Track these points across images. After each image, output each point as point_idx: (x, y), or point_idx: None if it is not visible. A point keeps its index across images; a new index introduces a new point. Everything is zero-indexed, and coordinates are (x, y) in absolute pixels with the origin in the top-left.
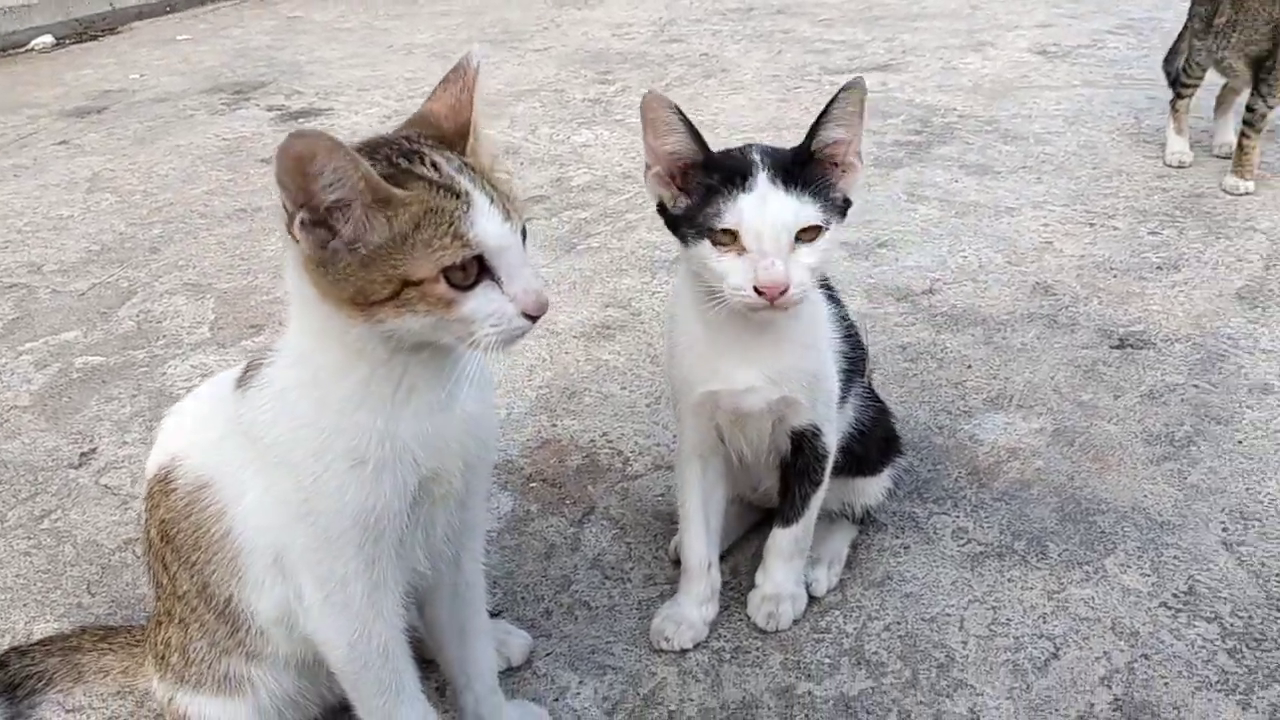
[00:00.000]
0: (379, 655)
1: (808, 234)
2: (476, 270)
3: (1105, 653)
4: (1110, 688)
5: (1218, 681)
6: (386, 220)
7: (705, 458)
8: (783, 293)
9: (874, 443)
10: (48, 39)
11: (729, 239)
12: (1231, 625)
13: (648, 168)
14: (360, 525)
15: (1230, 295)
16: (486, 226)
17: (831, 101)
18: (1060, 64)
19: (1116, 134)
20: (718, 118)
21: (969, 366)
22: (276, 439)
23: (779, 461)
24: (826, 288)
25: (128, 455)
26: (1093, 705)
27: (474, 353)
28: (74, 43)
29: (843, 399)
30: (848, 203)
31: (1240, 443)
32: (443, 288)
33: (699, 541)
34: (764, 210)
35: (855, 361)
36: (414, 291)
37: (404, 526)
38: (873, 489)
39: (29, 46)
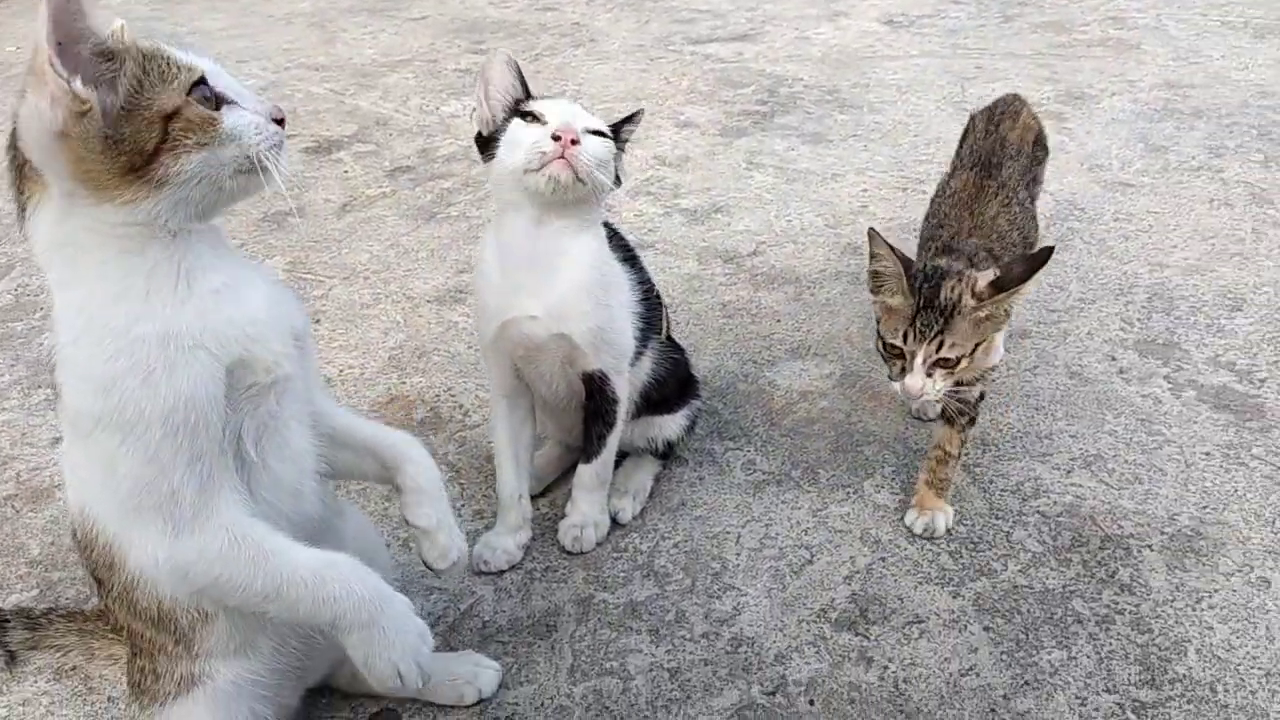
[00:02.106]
0: (230, 543)
1: (595, 134)
2: (213, 96)
3: (850, 558)
4: (850, 584)
5: (936, 577)
6: (120, 71)
7: (511, 398)
8: (574, 142)
9: (672, 387)
10: None
11: (534, 120)
12: (957, 532)
13: (474, 111)
14: (170, 429)
15: None
16: (189, 54)
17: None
18: (903, 34)
19: (942, 103)
20: (582, 88)
21: (778, 320)
22: (84, 403)
23: (581, 406)
24: (628, 253)
25: (7, 420)
26: (834, 599)
27: (265, 181)
28: None
29: (639, 353)
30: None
31: (993, 382)
32: (197, 108)
33: (509, 475)
34: (565, 106)
35: (651, 321)
36: (178, 124)
37: (221, 420)
38: (671, 426)
39: None
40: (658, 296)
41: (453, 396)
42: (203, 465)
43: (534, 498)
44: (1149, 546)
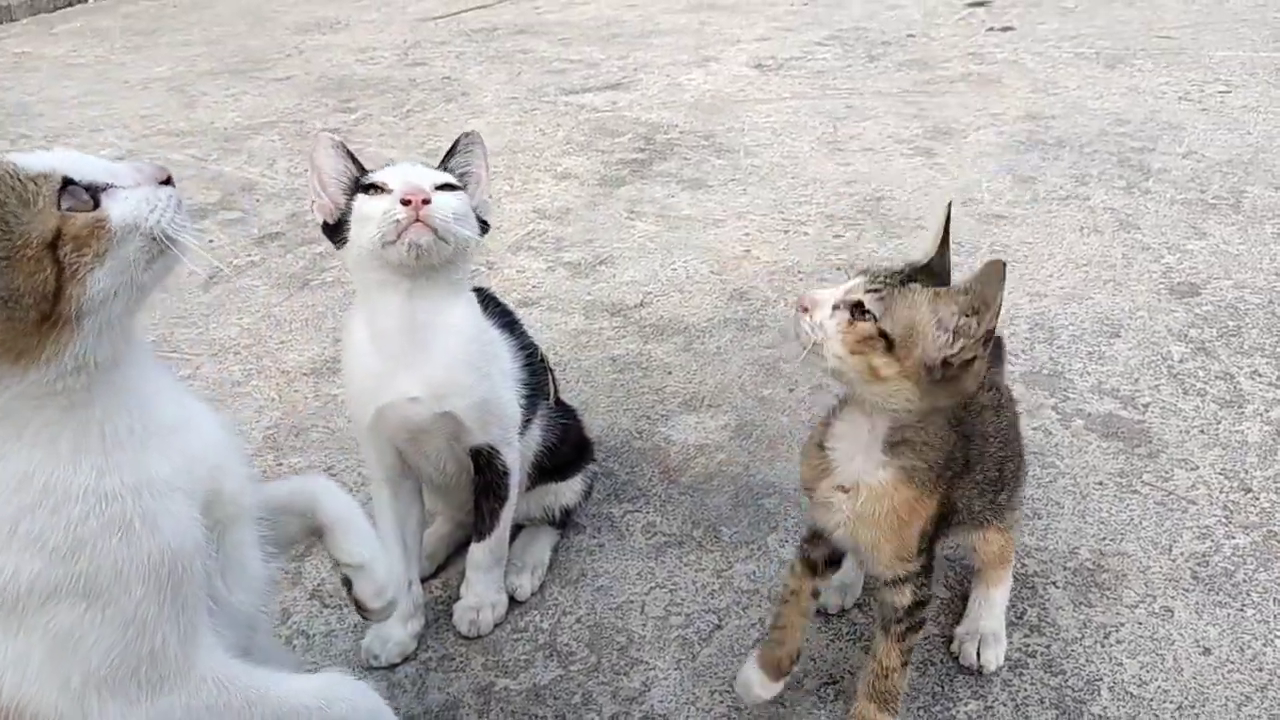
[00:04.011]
0: (218, 691)
1: (445, 189)
2: (87, 195)
3: (760, 619)
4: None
5: (848, 633)
6: None
7: (395, 482)
8: (425, 201)
9: (565, 452)
10: None
11: (377, 190)
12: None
13: (313, 202)
14: (154, 585)
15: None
16: (38, 159)
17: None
18: (773, 77)
19: (816, 143)
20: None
21: (669, 373)
22: (35, 575)
23: (471, 481)
24: (509, 320)
25: None
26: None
27: (178, 254)
28: None
29: (528, 421)
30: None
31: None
32: (79, 218)
33: (397, 562)
34: (406, 169)
35: (537, 387)
36: (65, 247)
37: (202, 567)
38: (567, 492)
39: None
40: (543, 360)
41: (334, 475)
42: (185, 616)
43: (425, 580)
44: (1053, 584)
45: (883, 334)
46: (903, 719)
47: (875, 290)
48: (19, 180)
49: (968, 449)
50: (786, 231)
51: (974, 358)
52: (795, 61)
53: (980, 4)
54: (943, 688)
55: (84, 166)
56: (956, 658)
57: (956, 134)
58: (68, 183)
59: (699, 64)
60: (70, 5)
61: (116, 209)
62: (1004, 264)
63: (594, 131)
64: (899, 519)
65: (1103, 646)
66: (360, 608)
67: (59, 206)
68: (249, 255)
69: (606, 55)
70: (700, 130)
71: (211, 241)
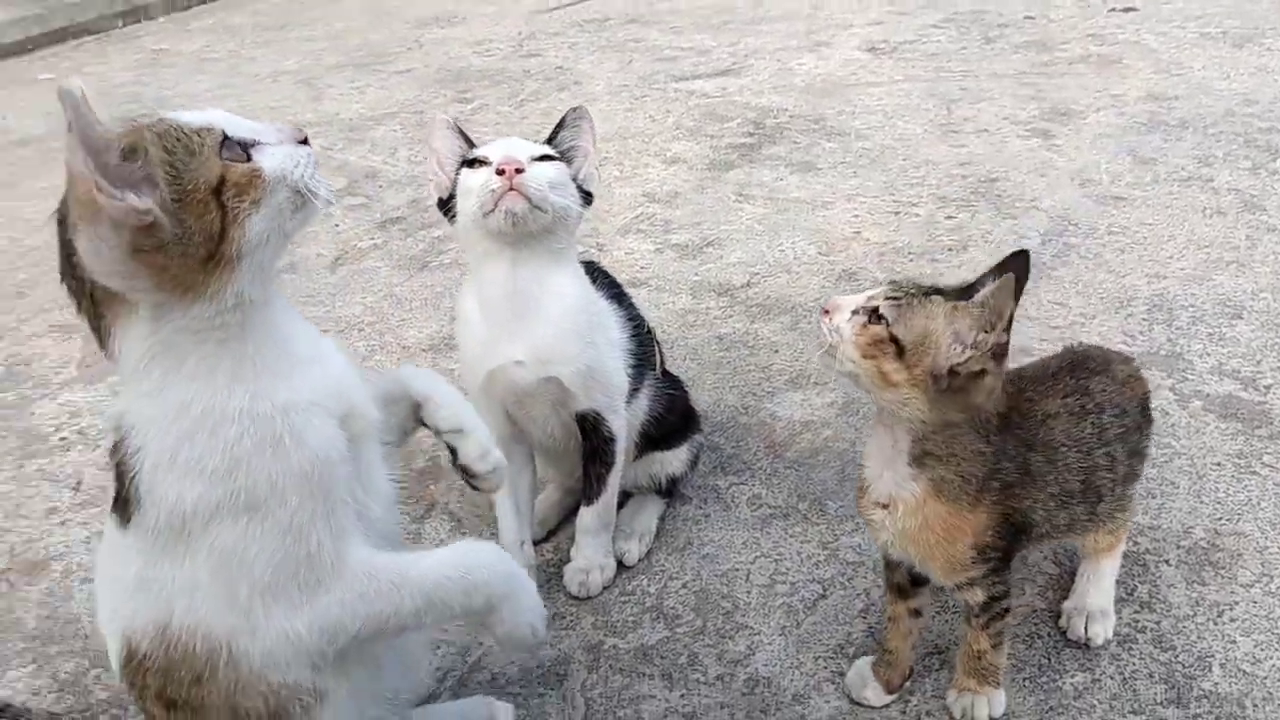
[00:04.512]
0: (367, 580)
1: (543, 160)
2: (240, 149)
3: (865, 590)
4: (866, 618)
5: (953, 605)
6: (149, 162)
7: (506, 445)
8: (519, 171)
9: (672, 422)
10: None
11: (479, 164)
12: None
13: (431, 180)
14: (306, 493)
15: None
16: (198, 115)
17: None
18: (886, 60)
19: (929, 125)
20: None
21: (776, 351)
22: (198, 497)
23: (579, 447)
24: (617, 291)
25: (0, 492)
26: (850, 634)
27: (319, 205)
28: None
29: (634, 390)
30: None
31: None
32: (239, 168)
33: (510, 523)
34: (506, 143)
35: (643, 357)
36: (229, 193)
37: (347, 474)
38: (674, 461)
39: None
40: (649, 331)
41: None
42: (335, 518)
43: (537, 543)
44: (1166, 561)
45: (894, 339)
46: (1008, 689)
47: (894, 298)
48: (184, 133)
49: (1027, 459)
50: (897, 213)
51: (983, 371)
52: (909, 45)
53: None
54: (1049, 660)
55: (235, 124)
56: (1064, 632)
57: (1075, 115)
58: (225, 138)
59: (810, 49)
60: (204, 3)
61: (268, 162)
62: (1016, 278)
63: (703, 117)
64: (937, 534)
65: (1215, 624)
66: (468, 474)
67: (220, 157)
68: (372, 239)
69: (717, 42)
70: (810, 114)
71: (337, 226)
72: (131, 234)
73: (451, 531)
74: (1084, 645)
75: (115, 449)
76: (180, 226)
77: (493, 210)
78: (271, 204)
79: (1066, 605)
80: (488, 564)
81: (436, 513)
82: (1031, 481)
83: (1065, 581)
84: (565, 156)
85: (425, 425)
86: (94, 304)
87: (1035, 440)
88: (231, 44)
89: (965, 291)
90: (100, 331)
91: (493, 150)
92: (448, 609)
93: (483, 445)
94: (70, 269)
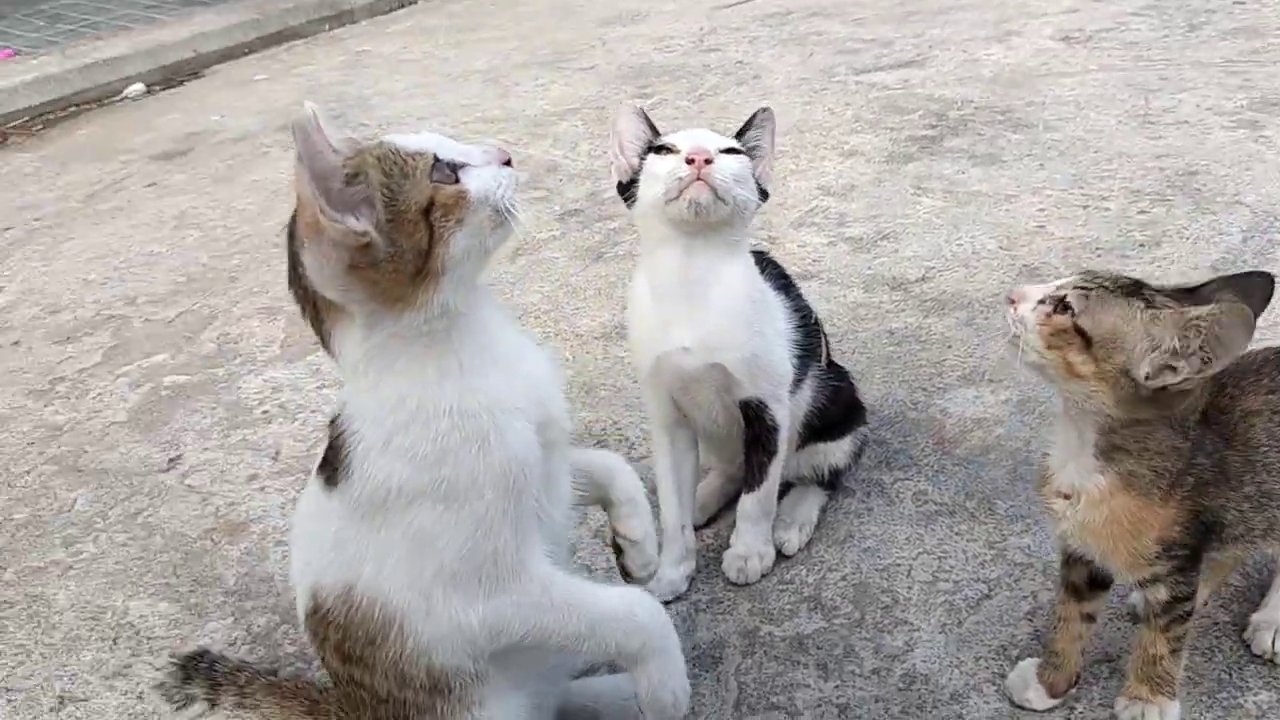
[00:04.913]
0: (542, 592)
1: (729, 153)
2: (449, 170)
3: (1033, 593)
4: (1032, 621)
5: (1126, 612)
6: (369, 185)
7: (671, 430)
8: (708, 161)
9: (836, 413)
10: (139, 87)
11: (667, 151)
12: None
13: (612, 164)
14: (501, 491)
15: (1205, 268)
16: (413, 139)
17: (751, 117)
18: (1080, 49)
19: (1124, 116)
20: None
21: (949, 347)
22: (404, 480)
23: (742, 434)
24: (784, 281)
25: (208, 459)
26: (1015, 636)
27: (515, 225)
28: (162, 89)
29: (799, 380)
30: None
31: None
32: (446, 190)
33: (673, 506)
34: (696, 133)
35: (809, 348)
36: (436, 213)
37: (539, 478)
38: (837, 453)
39: (123, 95)
40: (816, 322)
41: (619, 430)
42: (523, 523)
43: (698, 528)
44: None
45: (1079, 330)
46: (1184, 703)
47: (1084, 288)
48: (400, 157)
49: (1224, 458)
50: (1086, 207)
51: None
52: (1106, 33)
53: None
54: (1230, 675)
55: (446, 147)
56: (1248, 645)
57: None
58: (436, 160)
59: (999, 39)
60: (402, 6)
61: (473, 183)
62: (1250, 312)
63: (883, 109)
64: (1123, 526)
65: None
66: (625, 573)
67: (430, 179)
68: (551, 230)
69: (900, 34)
70: (996, 105)
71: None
72: (350, 253)
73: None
74: (1270, 661)
75: (334, 429)
76: (392, 245)
77: (676, 198)
78: (474, 222)
79: (1255, 617)
80: (652, 613)
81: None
82: (1226, 480)
83: (1253, 596)
84: (749, 153)
85: (605, 511)
86: (316, 311)
87: (1234, 437)
88: (427, 45)
89: (1182, 295)
90: (323, 335)
91: (681, 139)
92: (606, 643)
93: (648, 558)
94: (296, 279)
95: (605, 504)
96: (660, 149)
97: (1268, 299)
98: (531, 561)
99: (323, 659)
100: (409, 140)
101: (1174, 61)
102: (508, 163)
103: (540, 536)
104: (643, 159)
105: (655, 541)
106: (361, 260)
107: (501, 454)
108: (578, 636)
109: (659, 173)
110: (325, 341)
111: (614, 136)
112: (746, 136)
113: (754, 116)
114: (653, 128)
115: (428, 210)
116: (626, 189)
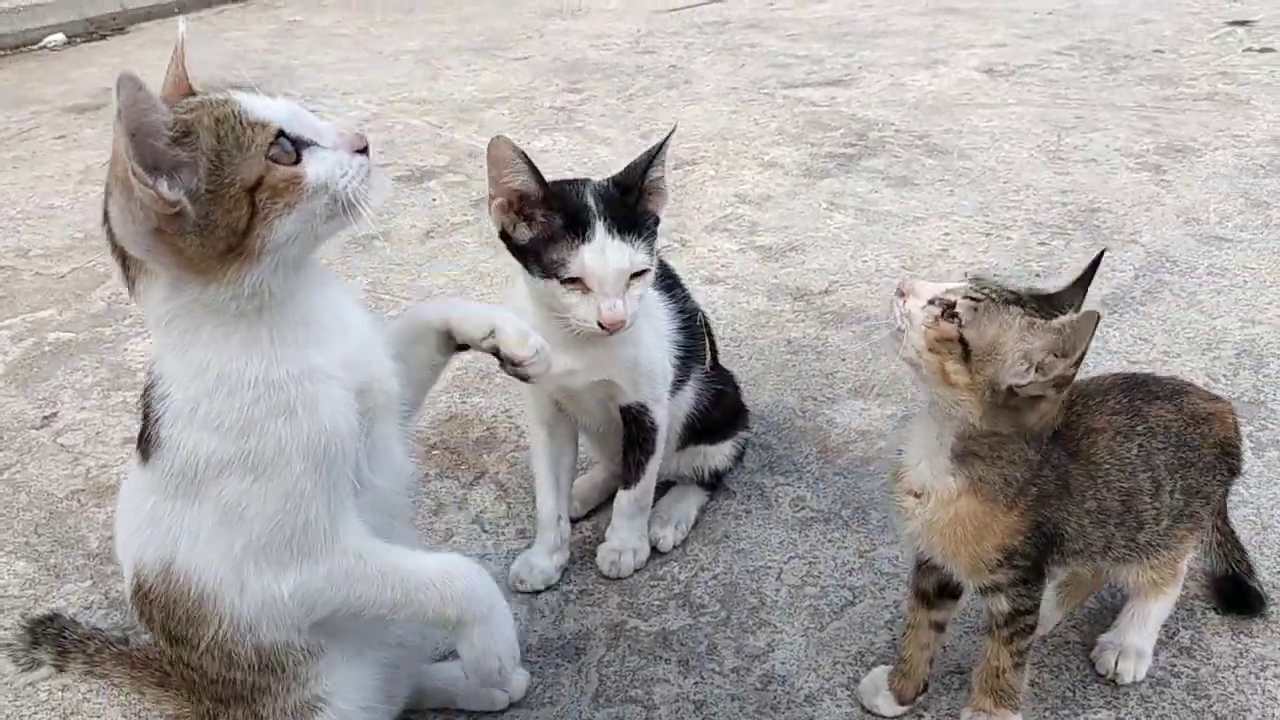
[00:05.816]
0: (356, 561)
1: (638, 275)
2: (292, 148)
3: (895, 602)
4: (892, 629)
5: (982, 626)
6: (198, 149)
7: (550, 425)
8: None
9: (719, 417)
10: (59, 37)
11: (575, 283)
12: None
13: (490, 199)
14: (312, 462)
15: (1095, 302)
16: (263, 106)
17: (661, 144)
18: (1002, 83)
19: (1035, 150)
20: (669, 128)
21: (843, 359)
22: (211, 451)
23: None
24: (670, 282)
25: (84, 419)
26: (873, 643)
27: (360, 216)
28: (84, 41)
29: (681, 382)
30: (657, 221)
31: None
32: (280, 170)
33: (548, 498)
34: (604, 261)
35: (693, 350)
36: (263, 194)
37: (354, 448)
38: (718, 455)
39: (42, 44)
40: (704, 324)
41: (510, 418)
42: (335, 493)
43: (576, 521)
44: (1214, 609)
45: (962, 341)
46: (1028, 717)
47: (973, 299)
48: (240, 124)
49: (1068, 472)
50: (989, 234)
51: (1041, 396)
52: (1028, 69)
53: (1241, 23)
54: (1074, 692)
55: (297, 120)
56: (1094, 664)
57: (1191, 153)
58: (279, 134)
59: (926, 65)
60: None
61: (313, 168)
62: (1099, 316)
63: (807, 125)
64: (967, 529)
65: (1257, 678)
66: (515, 364)
67: (267, 155)
68: (465, 215)
69: (833, 52)
70: (915, 130)
71: (434, 200)
72: (157, 217)
73: (496, 500)
74: (1112, 681)
75: (146, 391)
76: (206, 219)
77: (581, 330)
78: (306, 209)
79: (1103, 638)
80: (471, 582)
81: (485, 481)
82: (1069, 494)
83: (1105, 618)
84: (648, 190)
85: (460, 347)
86: (124, 258)
87: (1078, 453)
88: (362, 21)
89: (1046, 301)
90: (129, 282)
91: (591, 273)
92: (422, 610)
93: (519, 331)
94: (105, 222)
95: (449, 339)
96: (568, 280)
97: (1094, 273)
98: (344, 532)
99: (154, 639)
100: (257, 105)
101: (1089, 102)
102: (365, 150)
103: (359, 505)
104: (543, 279)
105: (517, 319)
106: (169, 226)
107: (310, 425)
108: (394, 605)
109: (569, 308)
110: (131, 287)
111: (493, 167)
112: (650, 176)
113: (660, 147)
114: (533, 170)
115: (254, 189)
116: (517, 246)
